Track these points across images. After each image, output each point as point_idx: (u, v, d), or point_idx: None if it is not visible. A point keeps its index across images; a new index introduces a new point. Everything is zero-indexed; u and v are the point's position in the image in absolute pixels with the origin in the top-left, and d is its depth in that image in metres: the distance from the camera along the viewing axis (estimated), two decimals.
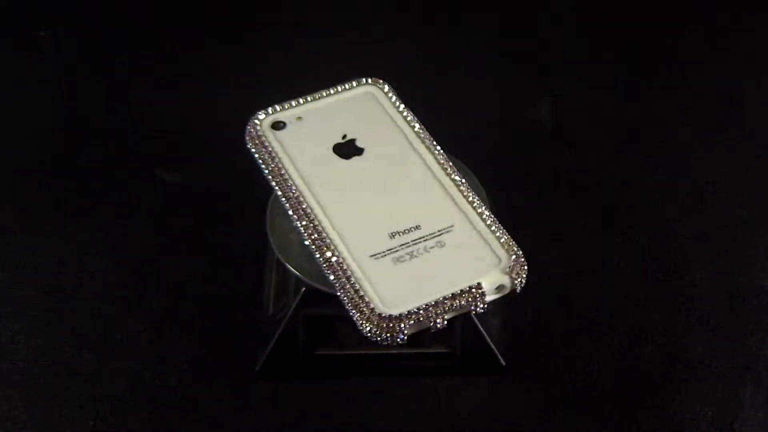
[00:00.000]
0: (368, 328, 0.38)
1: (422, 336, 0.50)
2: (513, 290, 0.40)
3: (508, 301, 0.52)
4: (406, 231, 0.41)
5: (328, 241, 0.41)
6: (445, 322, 0.38)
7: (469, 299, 0.39)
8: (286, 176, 0.43)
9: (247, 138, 0.46)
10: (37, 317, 0.53)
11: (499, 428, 0.49)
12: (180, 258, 0.56)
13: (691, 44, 0.70)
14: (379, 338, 0.38)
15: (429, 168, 0.44)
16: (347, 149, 0.45)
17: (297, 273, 0.45)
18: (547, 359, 0.51)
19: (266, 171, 0.44)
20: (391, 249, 0.41)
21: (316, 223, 0.41)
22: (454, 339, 0.49)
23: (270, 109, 0.47)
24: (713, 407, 0.49)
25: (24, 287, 0.55)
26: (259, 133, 0.46)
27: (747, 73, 0.67)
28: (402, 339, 0.38)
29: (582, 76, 0.68)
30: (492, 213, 0.42)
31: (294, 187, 0.43)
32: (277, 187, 0.43)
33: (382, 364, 0.50)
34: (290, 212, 0.42)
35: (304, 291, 0.46)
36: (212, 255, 0.56)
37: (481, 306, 0.39)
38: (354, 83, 0.48)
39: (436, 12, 0.73)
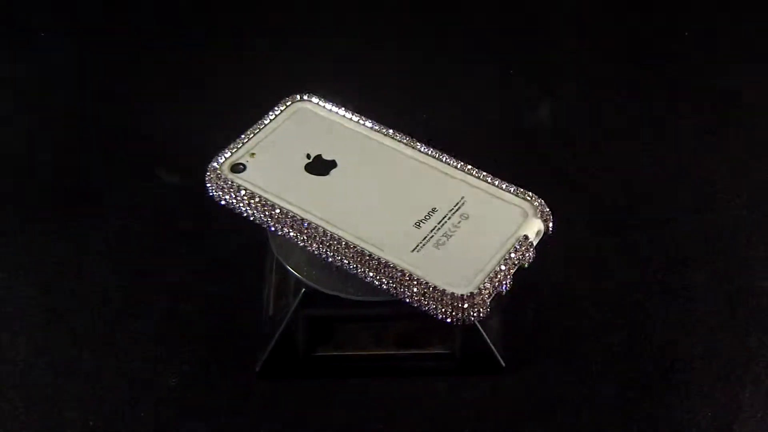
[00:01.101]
0: (453, 314, 0.39)
1: (422, 337, 0.50)
2: (546, 231, 0.43)
3: (507, 301, 0.52)
4: (427, 217, 0.42)
5: (365, 254, 0.40)
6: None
7: (521, 253, 0.41)
8: (278, 211, 0.42)
9: (214, 190, 0.44)
10: (37, 317, 0.53)
11: (499, 428, 0.49)
12: (180, 258, 0.56)
13: (691, 44, 0.70)
14: (465, 320, 0.39)
15: (407, 156, 0.45)
16: (320, 166, 0.44)
17: (297, 274, 0.45)
18: (547, 359, 0.51)
19: (254, 214, 0.43)
20: (425, 237, 0.41)
21: (342, 242, 0.41)
22: (453, 340, 0.49)
23: (221, 157, 0.45)
24: (713, 407, 0.49)
25: (24, 287, 0.55)
26: (224, 182, 0.44)
27: (747, 73, 0.67)
28: (485, 312, 0.39)
29: (582, 76, 0.68)
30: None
31: (294, 218, 0.42)
32: (275, 225, 0.42)
33: (381, 365, 0.50)
34: (306, 244, 0.41)
35: (304, 292, 0.46)
36: (212, 255, 0.56)
37: (531, 256, 0.41)
38: (284, 105, 0.48)
39: (435, 12, 0.73)
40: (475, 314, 0.39)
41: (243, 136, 0.46)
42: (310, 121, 0.47)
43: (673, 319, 0.52)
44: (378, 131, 0.46)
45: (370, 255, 0.41)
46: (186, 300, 0.54)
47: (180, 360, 0.51)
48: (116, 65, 0.69)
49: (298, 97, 0.48)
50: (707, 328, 0.52)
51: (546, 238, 0.56)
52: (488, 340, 0.48)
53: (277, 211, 0.42)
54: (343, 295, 0.44)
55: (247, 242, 0.55)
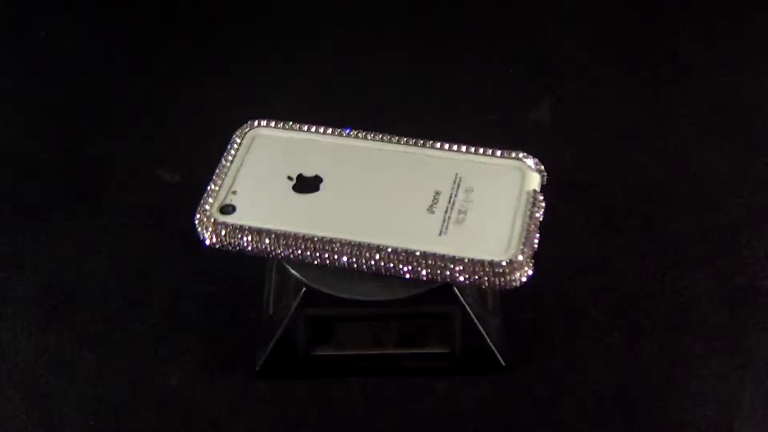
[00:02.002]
0: (501, 282, 0.40)
1: (422, 337, 0.50)
2: (542, 183, 0.45)
3: (508, 301, 0.52)
4: (435, 200, 0.43)
5: (397, 252, 0.41)
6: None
7: (536, 207, 0.43)
8: (292, 239, 0.41)
9: (214, 240, 0.43)
10: (37, 317, 0.53)
11: (499, 428, 0.49)
12: (180, 258, 0.56)
13: (691, 44, 0.70)
14: (513, 285, 0.40)
15: (386, 151, 0.45)
16: (307, 184, 0.44)
17: (296, 274, 0.45)
18: (547, 359, 0.51)
19: (267, 248, 0.42)
20: (443, 219, 0.42)
21: (368, 248, 0.41)
22: (453, 339, 0.49)
23: (205, 206, 0.44)
24: (713, 407, 0.49)
25: (24, 287, 0.55)
26: (222, 229, 0.42)
27: (747, 73, 0.67)
28: (529, 274, 0.41)
29: (582, 76, 0.68)
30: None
31: (310, 240, 0.41)
32: (292, 253, 0.41)
33: (381, 365, 0.50)
34: (331, 261, 0.41)
35: (305, 291, 0.46)
36: (212, 255, 0.56)
37: (543, 206, 0.43)
38: (238, 138, 0.47)
39: (435, 12, 0.73)
40: (521, 278, 0.40)
41: (215, 177, 0.45)
42: (274, 144, 0.46)
43: (673, 319, 0.52)
44: (346, 136, 0.46)
45: (401, 251, 0.41)
46: (186, 300, 0.54)
47: (180, 360, 0.51)
48: (116, 65, 0.69)
49: (247, 127, 0.47)
50: (707, 328, 0.52)
51: (546, 240, 0.57)
52: (488, 340, 0.48)
53: (291, 239, 0.42)
54: (343, 295, 0.44)
55: None
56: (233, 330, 0.52)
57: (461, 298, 0.46)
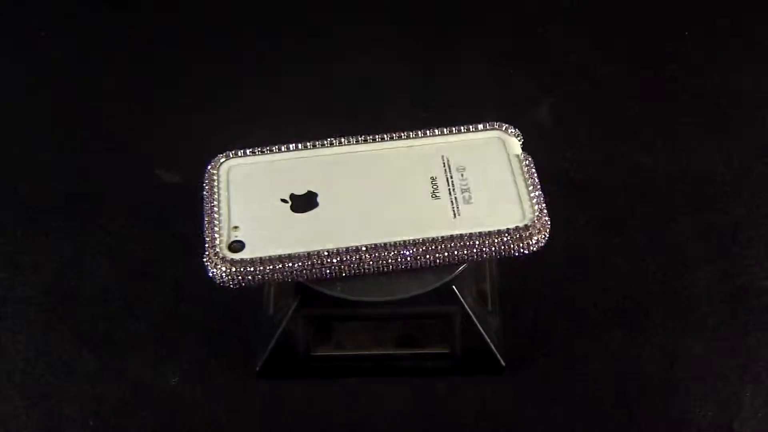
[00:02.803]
0: (528, 247, 0.42)
1: (422, 337, 0.50)
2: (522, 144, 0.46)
3: (507, 301, 0.52)
4: (435, 186, 0.44)
5: (425, 243, 0.41)
6: None
7: (529, 169, 0.44)
8: (314, 259, 0.41)
9: (228, 279, 0.41)
10: (37, 317, 0.53)
11: (499, 428, 0.49)
12: (180, 258, 0.56)
13: (691, 44, 0.70)
14: (537, 248, 0.42)
15: (367, 151, 0.45)
16: (304, 202, 0.43)
17: None
18: (547, 359, 0.51)
19: (291, 274, 0.41)
20: (452, 202, 0.43)
21: (393, 247, 0.41)
22: (453, 339, 0.49)
23: (212, 248, 0.42)
24: (713, 407, 0.49)
25: (24, 287, 0.55)
26: (239, 267, 0.41)
27: (747, 73, 0.67)
28: (547, 235, 0.43)
29: (582, 76, 0.68)
30: None
31: (334, 254, 0.41)
32: (317, 273, 0.41)
33: (381, 365, 0.50)
34: (360, 269, 0.41)
35: (304, 292, 0.46)
36: None
37: (533, 166, 0.45)
38: (214, 172, 0.45)
39: (436, 12, 0.73)
40: (543, 239, 0.42)
41: (209, 217, 0.43)
42: (254, 172, 0.45)
43: (673, 319, 0.52)
44: (320, 146, 0.45)
45: (425, 241, 0.41)
46: (186, 300, 0.54)
47: (180, 360, 0.51)
48: (116, 65, 0.69)
49: (221, 159, 0.46)
50: (707, 328, 0.52)
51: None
52: (488, 340, 0.48)
53: (313, 258, 0.41)
54: (343, 296, 0.44)
55: None
56: (233, 330, 0.52)
57: (461, 299, 0.46)
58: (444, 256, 0.42)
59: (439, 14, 0.73)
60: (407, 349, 0.50)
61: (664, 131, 0.63)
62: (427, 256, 0.42)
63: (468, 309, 0.47)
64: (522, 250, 0.42)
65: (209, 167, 0.45)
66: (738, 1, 0.73)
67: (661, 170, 0.61)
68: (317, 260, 0.41)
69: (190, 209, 0.59)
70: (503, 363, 0.49)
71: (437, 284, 0.44)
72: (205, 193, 0.44)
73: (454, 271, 0.45)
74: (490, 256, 0.42)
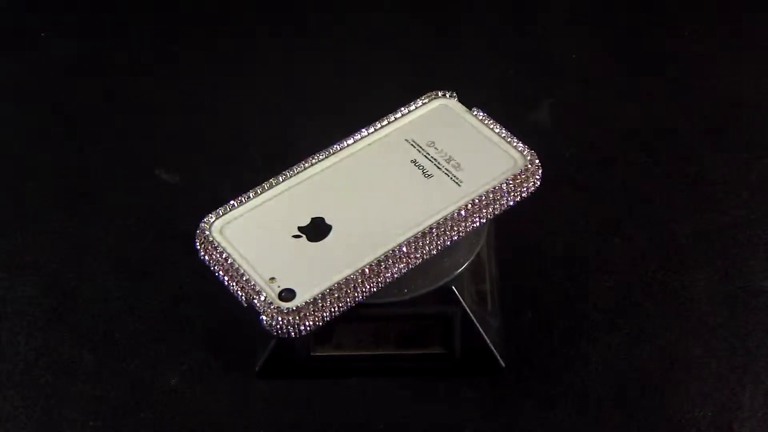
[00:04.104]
0: (537, 180, 0.44)
1: (422, 337, 0.50)
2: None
3: (507, 302, 0.52)
4: (421, 168, 0.44)
5: (453, 220, 0.42)
6: None
7: (491, 121, 0.47)
8: (364, 277, 0.40)
9: (294, 330, 0.39)
10: (37, 317, 0.53)
11: (499, 428, 0.49)
12: (180, 258, 0.56)
13: (691, 44, 0.70)
14: (539, 182, 0.44)
15: (342, 159, 0.45)
16: (316, 229, 0.42)
17: None
18: (547, 359, 0.51)
19: (347, 305, 0.40)
20: (445, 172, 0.44)
21: (425, 235, 0.41)
22: (453, 340, 0.49)
23: (265, 305, 0.40)
24: (713, 407, 0.49)
25: (24, 287, 0.55)
26: (302, 313, 0.39)
27: (747, 73, 0.67)
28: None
29: (582, 76, 0.68)
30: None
31: (378, 271, 0.40)
32: (364, 293, 0.40)
33: (381, 365, 0.50)
34: (406, 265, 0.41)
35: None
36: None
37: (486, 115, 0.47)
38: (210, 235, 0.42)
39: (435, 12, 0.73)
40: (540, 175, 0.44)
41: (233, 282, 0.41)
42: (248, 222, 0.43)
43: (673, 319, 0.52)
44: (294, 173, 0.44)
45: (448, 219, 0.42)
46: (186, 300, 0.54)
47: (180, 360, 0.51)
48: (116, 65, 0.69)
49: (211, 218, 0.43)
50: (707, 328, 0.52)
51: (547, 240, 0.57)
52: (488, 340, 0.48)
53: (364, 277, 0.40)
54: None
55: None
56: (233, 330, 0.52)
57: (461, 299, 0.46)
58: (474, 222, 0.43)
59: (439, 14, 0.73)
60: (407, 349, 0.50)
61: (664, 131, 0.63)
62: (461, 227, 0.42)
63: (468, 309, 0.47)
64: (530, 190, 0.44)
65: (201, 233, 0.42)
66: (738, 1, 0.73)
67: (661, 170, 0.61)
68: (368, 274, 0.40)
69: (190, 209, 0.59)
70: (503, 363, 0.49)
71: (437, 285, 0.44)
72: (205, 257, 0.42)
73: (454, 272, 0.45)
74: (508, 207, 0.43)
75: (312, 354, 0.50)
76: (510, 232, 0.55)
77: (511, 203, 0.44)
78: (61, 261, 0.56)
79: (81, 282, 0.55)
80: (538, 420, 0.49)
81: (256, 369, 0.50)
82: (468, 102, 0.48)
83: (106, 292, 0.54)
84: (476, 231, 0.44)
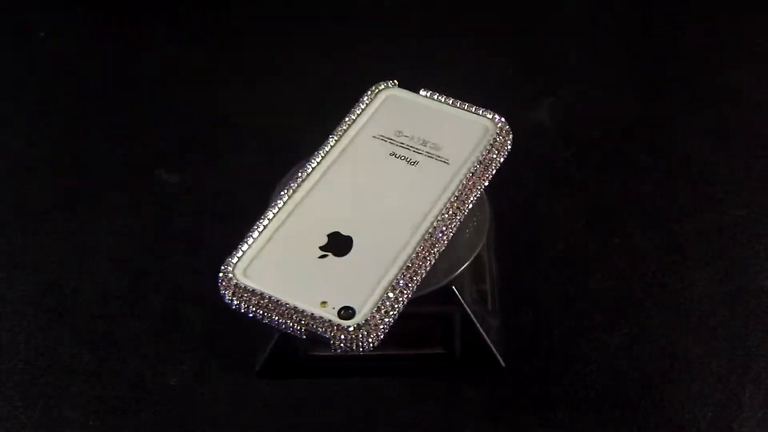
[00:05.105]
0: (511, 141, 0.45)
1: (422, 337, 0.50)
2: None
3: (507, 302, 0.52)
4: (403, 158, 0.45)
5: (463, 195, 0.43)
6: None
7: (441, 96, 0.48)
8: (405, 274, 0.40)
9: (372, 341, 0.39)
10: (37, 317, 0.53)
11: (499, 428, 0.49)
12: (180, 258, 0.56)
13: (691, 44, 0.70)
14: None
15: (323, 174, 0.44)
16: (337, 244, 0.41)
17: None
18: (547, 359, 0.51)
19: (401, 309, 0.40)
20: (428, 155, 0.45)
21: (444, 219, 0.42)
22: (453, 340, 0.49)
23: (334, 327, 0.39)
24: (713, 407, 0.49)
25: (24, 287, 0.55)
26: (374, 329, 0.39)
27: (747, 73, 0.67)
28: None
29: (582, 76, 0.68)
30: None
31: (417, 269, 0.41)
32: (410, 286, 0.40)
33: (381, 365, 0.50)
34: (439, 251, 0.42)
35: None
36: (212, 255, 0.56)
37: (434, 91, 0.48)
38: (231, 280, 0.40)
39: (436, 12, 0.73)
40: (511, 138, 0.46)
41: (284, 318, 0.39)
42: (268, 257, 0.41)
43: (673, 319, 0.52)
44: (289, 195, 0.43)
45: (461, 188, 0.43)
46: (186, 300, 0.54)
47: (180, 360, 0.51)
48: (116, 65, 0.69)
49: (229, 268, 0.41)
50: (707, 328, 0.52)
51: (547, 240, 0.57)
52: (488, 340, 0.48)
53: (406, 276, 0.40)
54: None
55: None
56: (233, 330, 0.52)
57: (461, 299, 0.46)
58: (476, 192, 0.43)
59: (439, 14, 0.73)
60: (407, 349, 0.50)
61: (664, 131, 0.63)
62: (469, 199, 0.43)
63: (468, 309, 0.47)
64: (508, 150, 0.45)
65: (227, 282, 0.40)
66: (738, 1, 0.73)
67: (661, 170, 0.61)
68: (412, 269, 0.40)
69: (189, 209, 0.59)
70: (503, 363, 0.49)
71: (437, 285, 0.44)
72: (240, 304, 0.40)
73: (454, 272, 0.45)
74: (500, 166, 0.45)
75: (312, 354, 0.50)
76: (510, 232, 0.55)
77: (498, 166, 0.45)
78: (61, 261, 0.56)
79: (81, 282, 0.55)
80: (538, 420, 0.49)
81: (256, 369, 0.50)
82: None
83: (106, 292, 0.54)
84: (480, 203, 0.46)
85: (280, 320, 0.39)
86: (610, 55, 0.70)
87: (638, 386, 0.50)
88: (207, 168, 0.62)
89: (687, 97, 0.66)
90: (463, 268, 0.45)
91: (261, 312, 0.39)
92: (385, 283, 0.40)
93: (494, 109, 0.47)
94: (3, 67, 0.70)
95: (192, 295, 0.54)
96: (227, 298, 0.40)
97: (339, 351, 0.39)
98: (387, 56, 0.69)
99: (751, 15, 0.72)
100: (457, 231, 0.43)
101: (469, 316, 0.47)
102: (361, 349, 0.38)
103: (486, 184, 0.44)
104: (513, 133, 0.46)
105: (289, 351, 0.49)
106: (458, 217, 0.42)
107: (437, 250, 0.41)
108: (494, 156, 0.45)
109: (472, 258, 0.46)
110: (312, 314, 0.39)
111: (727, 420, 0.48)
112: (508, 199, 0.56)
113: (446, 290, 0.45)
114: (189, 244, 0.57)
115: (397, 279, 0.40)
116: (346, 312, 0.39)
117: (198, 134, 0.64)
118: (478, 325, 0.48)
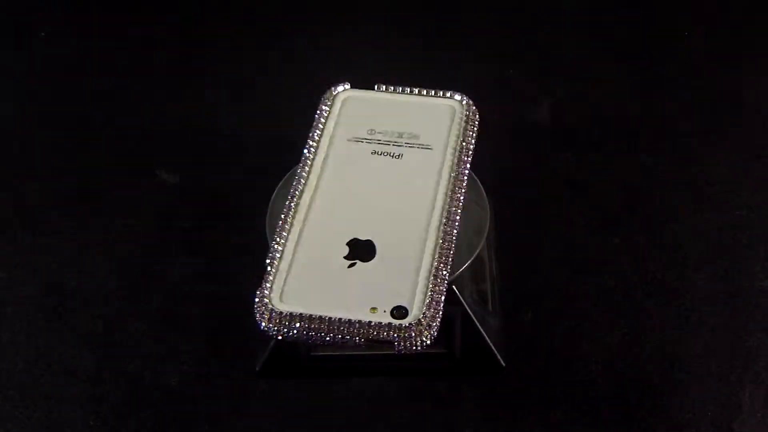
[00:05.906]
0: (478, 117, 0.46)
1: None
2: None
3: (507, 302, 0.52)
4: (386, 153, 0.45)
5: (459, 178, 0.43)
6: None
7: (396, 87, 0.48)
8: (438, 268, 0.40)
9: (427, 339, 0.38)
10: (37, 317, 0.53)
11: (499, 428, 0.49)
12: (180, 258, 0.56)
13: (691, 44, 0.70)
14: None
15: (315, 181, 0.44)
16: (360, 251, 0.41)
17: None
18: (547, 359, 0.51)
19: (443, 308, 0.39)
20: (410, 145, 0.45)
21: (451, 213, 0.42)
22: (453, 340, 0.49)
23: (389, 329, 0.38)
24: (713, 407, 0.49)
25: (24, 287, 0.55)
26: (427, 328, 0.38)
27: (747, 73, 0.67)
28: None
29: (582, 76, 0.68)
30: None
31: (445, 253, 0.41)
32: (446, 288, 0.40)
33: (381, 365, 0.50)
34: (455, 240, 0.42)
35: None
36: (212, 255, 0.56)
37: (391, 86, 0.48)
38: (269, 306, 0.39)
39: (435, 12, 0.73)
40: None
41: (334, 331, 0.38)
42: (299, 275, 0.40)
43: (673, 319, 0.52)
44: (292, 207, 0.43)
45: (456, 172, 0.43)
46: (186, 300, 0.54)
47: (180, 360, 0.51)
48: (116, 65, 0.69)
49: (266, 302, 0.40)
50: (707, 328, 0.52)
51: (546, 240, 0.57)
52: (488, 340, 0.48)
53: (441, 270, 0.40)
54: None
55: (247, 242, 0.55)
56: (233, 330, 0.52)
57: (461, 299, 0.46)
58: (467, 168, 0.44)
59: (439, 14, 0.73)
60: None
61: (664, 131, 0.63)
62: (465, 176, 0.43)
63: (468, 309, 0.47)
64: (478, 120, 0.46)
65: (267, 312, 0.39)
66: (738, 1, 0.73)
67: (661, 170, 0.61)
68: (443, 259, 0.40)
69: (190, 209, 0.59)
70: (503, 363, 0.49)
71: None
72: (286, 330, 0.39)
73: (454, 272, 0.45)
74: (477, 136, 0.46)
75: (312, 354, 0.50)
76: (510, 232, 0.55)
77: (475, 139, 0.45)
78: (61, 261, 0.56)
79: (81, 282, 0.55)
80: (538, 420, 0.49)
81: (256, 369, 0.50)
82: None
83: (106, 292, 0.54)
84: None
85: (336, 336, 0.38)
86: (610, 55, 0.70)
87: (638, 386, 0.50)
88: (207, 168, 0.62)
89: (687, 97, 0.66)
90: (463, 268, 0.45)
91: (312, 333, 0.38)
92: (424, 272, 0.40)
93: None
94: (3, 67, 0.70)
95: (192, 295, 0.54)
96: (273, 330, 0.39)
97: (403, 351, 0.38)
98: (386, 56, 0.69)
99: (751, 15, 0.72)
100: (457, 231, 0.42)
101: (469, 316, 0.47)
102: (426, 344, 0.38)
103: (471, 157, 0.45)
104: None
105: (289, 351, 0.49)
106: (462, 193, 0.43)
107: (456, 230, 0.41)
108: (471, 132, 0.46)
109: (473, 258, 0.46)
110: (369, 323, 0.38)
111: (727, 420, 0.48)
112: (508, 199, 0.56)
113: (446, 290, 0.45)
114: (189, 244, 0.57)
115: (433, 266, 0.40)
116: (399, 312, 0.39)
117: (198, 134, 0.64)
118: (478, 325, 0.48)
